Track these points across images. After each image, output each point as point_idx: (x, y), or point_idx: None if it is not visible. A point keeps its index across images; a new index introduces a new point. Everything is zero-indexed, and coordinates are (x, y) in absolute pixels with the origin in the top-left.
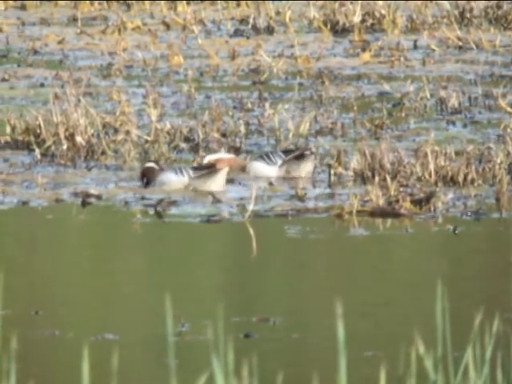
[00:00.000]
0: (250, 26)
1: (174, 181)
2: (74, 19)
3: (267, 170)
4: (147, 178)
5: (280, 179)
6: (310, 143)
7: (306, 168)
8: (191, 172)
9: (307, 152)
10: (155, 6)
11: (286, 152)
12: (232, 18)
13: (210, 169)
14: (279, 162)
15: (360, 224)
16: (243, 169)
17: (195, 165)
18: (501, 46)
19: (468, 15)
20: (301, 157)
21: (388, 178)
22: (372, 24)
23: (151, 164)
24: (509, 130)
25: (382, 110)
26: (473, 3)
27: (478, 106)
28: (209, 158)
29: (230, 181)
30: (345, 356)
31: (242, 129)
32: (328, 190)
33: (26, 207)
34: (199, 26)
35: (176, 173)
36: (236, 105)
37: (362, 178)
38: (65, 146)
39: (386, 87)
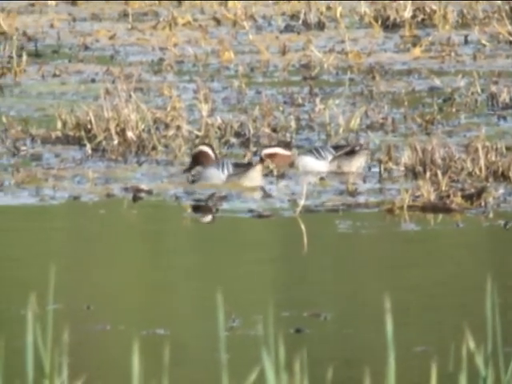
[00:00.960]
0: (300, 21)
1: (214, 176)
2: (125, 14)
3: (317, 164)
4: (198, 162)
5: (329, 174)
6: (361, 138)
7: (357, 163)
8: (231, 168)
9: (358, 148)
10: (206, 1)
11: (337, 147)
12: (283, 14)
13: (248, 166)
14: (329, 157)
15: (411, 219)
16: (291, 163)
17: (236, 161)
18: None
19: None
20: (352, 152)
21: (439, 173)
22: (423, 19)
23: (205, 148)
24: None
25: (433, 105)
26: None
27: None
28: (265, 152)
29: (281, 176)
30: (394, 351)
31: (293, 124)
32: (378, 185)
33: (77, 202)
34: (250, 22)
35: (218, 168)
36: (286, 100)
37: (412, 173)
38: (116, 141)
39: (437, 82)
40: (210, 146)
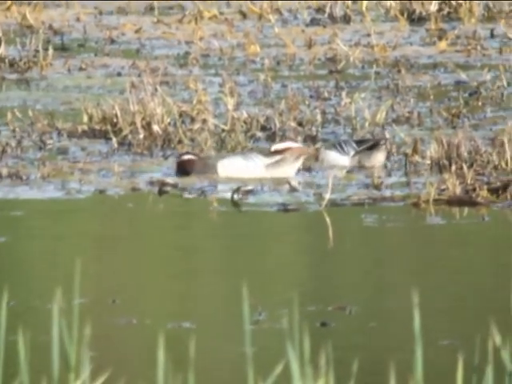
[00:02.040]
0: (326, 14)
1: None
2: (151, 8)
3: (339, 159)
4: (183, 171)
5: (352, 169)
6: (386, 132)
7: (377, 158)
8: (263, 159)
9: (379, 143)
10: None
11: (359, 142)
12: (308, 7)
13: (282, 156)
14: (351, 152)
15: (437, 213)
16: (315, 157)
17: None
18: None
19: None
20: (373, 147)
21: (465, 167)
22: (448, 13)
23: (189, 157)
24: None
25: (459, 99)
26: None
27: None
28: (276, 147)
29: (306, 169)
30: (421, 345)
31: (319, 118)
32: (404, 179)
33: (103, 196)
34: (275, 15)
35: (247, 159)
36: (312, 94)
37: (438, 167)
38: (141, 135)
39: (463, 76)
40: (194, 154)
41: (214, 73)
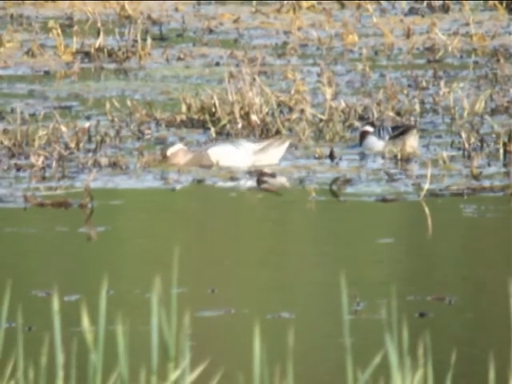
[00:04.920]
0: (425, 4)
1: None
2: None
3: (376, 143)
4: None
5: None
6: (486, 121)
7: (408, 143)
8: (252, 145)
9: (410, 128)
10: None
11: (395, 128)
12: None
13: (268, 141)
14: (386, 136)
15: None
16: (359, 141)
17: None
18: None
19: None
20: (404, 132)
21: None
22: None
23: (179, 147)
24: None
25: None
26: None
27: None
28: (171, 151)
29: (405, 159)
30: None
31: (417, 107)
32: (503, 169)
33: (202, 185)
34: (374, 5)
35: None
36: (411, 83)
37: None
38: (240, 125)
39: None
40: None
41: (311, 63)
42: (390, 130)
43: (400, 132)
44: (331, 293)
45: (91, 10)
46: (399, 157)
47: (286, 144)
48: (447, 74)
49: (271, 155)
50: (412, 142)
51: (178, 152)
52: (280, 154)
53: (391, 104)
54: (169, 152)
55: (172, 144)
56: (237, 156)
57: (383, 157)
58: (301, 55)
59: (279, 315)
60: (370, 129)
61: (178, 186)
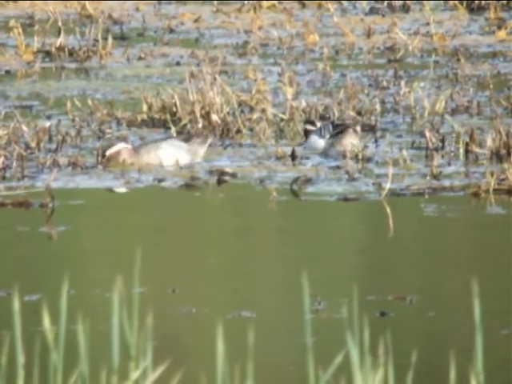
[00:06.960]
0: (385, 3)
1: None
2: None
3: (318, 142)
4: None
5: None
6: (447, 120)
7: (346, 142)
8: (184, 144)
9: (349, 127)
10: None
11: (336, 126)
12: None
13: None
14: (327, 135)
15: (497, 202)
16: (303, 139)
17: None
18: None
19: None
20: (343, 131)
21: None
22: (508, 1)
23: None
24: None
25: None
26: None
27: None
28: (110, 151)
29: (366, 159)
30: (481, 335)
31: (378, 107)
32: (463, 169)
33: (162, 185)
34: (335, 4)
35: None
36: (371, 83)
37: (497, 157)
38: (200, 125)
39: None
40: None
41: (272, 62)
42: (330, 128)
43: (339, 131)
44: (292, 292)
45: (52, 10)
46: (336, 155)
47: (208, 142)
48: (408, 73)
49: (194, 153)
50: (349, 140)
51: (121, 151)
52: (202, 152)
53: (352, 103)
54: (108, 152)
55: (112, 144)
56: (173, 155)
57: (326, 155)
58: (262, 55)
59: (240, 314)
60: (311, 127)
61: (139, 185)
